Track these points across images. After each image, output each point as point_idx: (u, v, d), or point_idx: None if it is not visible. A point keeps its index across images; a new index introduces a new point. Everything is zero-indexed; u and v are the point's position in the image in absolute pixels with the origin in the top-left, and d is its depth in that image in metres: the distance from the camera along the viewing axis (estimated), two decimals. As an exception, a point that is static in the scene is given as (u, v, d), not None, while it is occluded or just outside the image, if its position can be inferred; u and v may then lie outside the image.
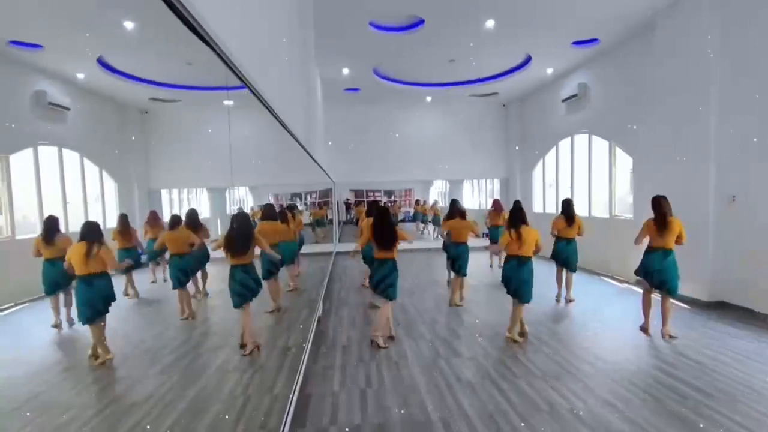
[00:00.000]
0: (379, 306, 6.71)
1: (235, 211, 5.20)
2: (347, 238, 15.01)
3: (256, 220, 6.47)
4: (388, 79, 11.43)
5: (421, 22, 7.72)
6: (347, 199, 19.10)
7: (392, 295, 5.26)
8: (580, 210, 10.01)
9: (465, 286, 7.16)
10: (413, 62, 10.14)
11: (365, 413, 3.62)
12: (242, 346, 4.07)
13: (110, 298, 3.14)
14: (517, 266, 5.17)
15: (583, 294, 7.35)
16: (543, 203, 12.43)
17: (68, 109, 3.73)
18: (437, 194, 19.59)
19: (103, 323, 3.04)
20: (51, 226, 2.98)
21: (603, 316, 6.26)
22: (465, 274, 6.89)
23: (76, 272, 2.99)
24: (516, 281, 5.17)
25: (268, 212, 6.02)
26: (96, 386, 3.32)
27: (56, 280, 2.86)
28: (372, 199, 18.14)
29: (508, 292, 5.32)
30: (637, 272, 5.49)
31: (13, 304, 2.74)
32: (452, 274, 8.33)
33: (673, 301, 5.71)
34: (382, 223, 5.22)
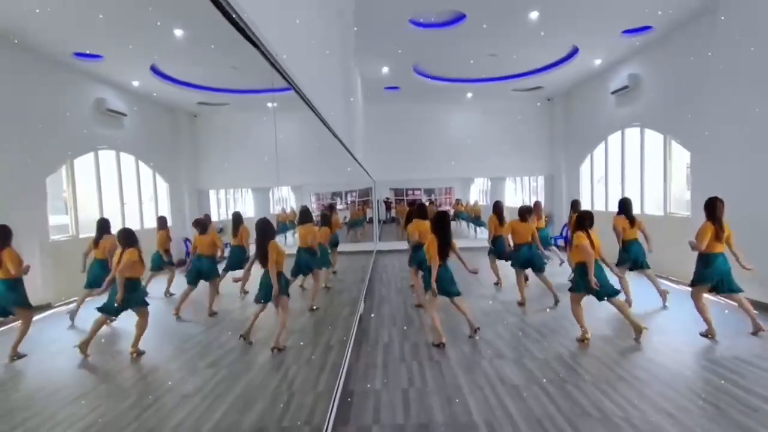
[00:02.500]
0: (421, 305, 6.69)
1: (260, 217, 5.23)
2: (386, 237, 15.04)
3: (287, 223, 6.53)
4: (428, 77, 11.33)
5: (463, 17, 7.59)
6: (387, 198, 19.13)
7: (457, 291, 5.26)
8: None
9: (549, 282, 6.81)
10: (454, 58, 10.00)
11: (408, 413, 3.61)
12: (244, 336, 4.07)
13: (139, 300, 3.28)
14: (599, 270, 4.97)
15: (635, 295, 6.97)
16: (591, 200, 11.93)
17: (125, 114, 3.92)
18: (478, 192, 19.25)
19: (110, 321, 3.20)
20: (102, 228, 3.18)
21: (658, 319, 5.93)
22: (543, 269, 6.76)
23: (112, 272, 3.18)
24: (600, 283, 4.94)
25: (304, 215, 6.04)
26: (152, 377, 3.49)
27: (95, 279, 3.05)
28: (412, 197, 18.07)
29: (595, 296, 5.03)
30: (695, 282, 5.06)
31: (76, 298, 2.92)
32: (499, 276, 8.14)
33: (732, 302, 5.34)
34: (443, 229, 5.14)
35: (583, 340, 5.07)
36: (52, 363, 2.81)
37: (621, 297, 5.53)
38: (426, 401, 3.79)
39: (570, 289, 5.22)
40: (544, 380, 4.10)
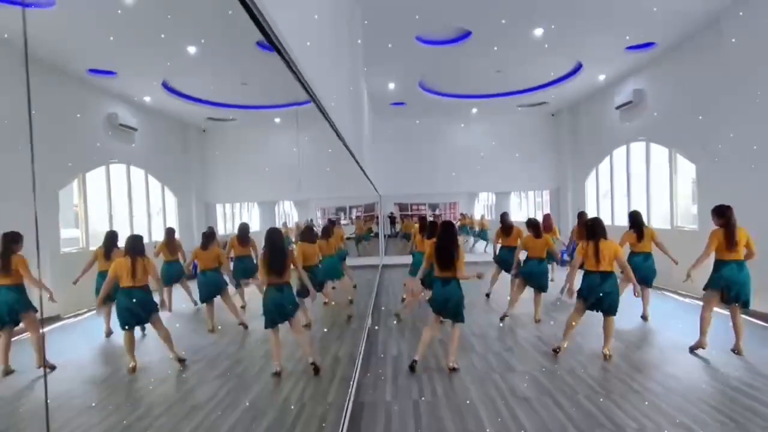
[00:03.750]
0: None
1: (270, 227, 5.20)
2: (392, 251, 15.03)
3: (291, 237, 6.51)
4: (434, 93, 11.47)
5: (468, 34, 7.73)
6: (391, 213, 19.20)
7: (462, 317, 4.82)
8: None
9: (540, 303, 6.74)
10: (460, 75, 10.13)
11: (419, 423, 3.56)
12: (277, 373, 3.98)
13: (151, 308, 3.25)
14: (600, 281, 4.88)
15: (660, 315, 6.86)
16: (597, 214, 11.92)
17: (136, 129, 3.99)
18: (483, 207, 19.28)
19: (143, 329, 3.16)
20: (112, 240, 3.17)
21: (668, 333, 5.86)
22: (545, 290, 6.64)
23: (120, 284, 3.14)
24: (597, 295, 4.88)
25: (306, 234, 6.02)
26: (161, 388, 3.47)
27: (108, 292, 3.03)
28: (417, 212, 18.10)
29: (589, 308, 4.99)
30: (708, 287, 5.01)
31: (86, 309, 2.92)
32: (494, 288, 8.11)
33: (745, 316, 5.30)
34: (449, 239, 4.79)
35: (556, 350, 5.09)
36: (60, 374, 2.81)
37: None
38: (437, 412, 3.74)
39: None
40: (556, 393, 4.05)
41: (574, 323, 5.06)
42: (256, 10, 1.77)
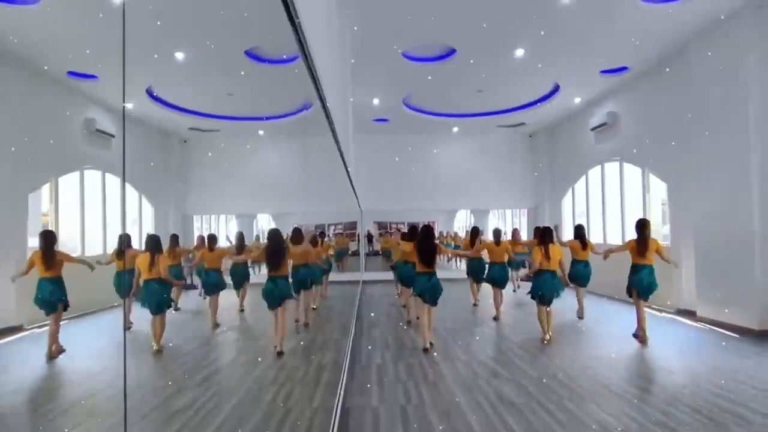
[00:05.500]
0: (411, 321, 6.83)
1: (269, 229, 5.43)
2: (371, 268, 15.01)
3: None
4: (417, 110, 11.69)
5: (453, 52, 7.97)
6: (368, 232, 19.26)
7: (436, 301, 5.64)
8: (613, 238, 9.90)
9: (501, 301, 7.53)
10: (443, 93, 10.38)
11: (407, 427, 3.52)
12: (279, 353, 4.38)
13: (166, 300, 3.39)
14: (552, 278, 5.81)
15: (622, 322, 7.05)
16: (573, 232, 12.19)
17: (113, 136, 3.93)
18: (459, 227, 19.46)
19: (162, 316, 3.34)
20: (127, 242, 3.30)
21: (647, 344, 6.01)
22: (504, 287, 7.53)
23: (144, 277, 3.31)
24: (550, 291, 5.84)
25: (295, 236, 6.11)
26: (144, 390, 3.34)
27: (129, 287, 3.18)
28: (394, 230, 18.18)
29: (542, 302, 5.85)
30: (629, 290, 5.94)
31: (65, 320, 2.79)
32: (477, 298, 8.59)
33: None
34: (426, 240, 5.61)
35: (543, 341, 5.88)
36: (32, 381, 2.67)
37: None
38: (425, 417, 3.72)
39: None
40: (541, 397, 4.08)
41: (542, 317, 5.98)
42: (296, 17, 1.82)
